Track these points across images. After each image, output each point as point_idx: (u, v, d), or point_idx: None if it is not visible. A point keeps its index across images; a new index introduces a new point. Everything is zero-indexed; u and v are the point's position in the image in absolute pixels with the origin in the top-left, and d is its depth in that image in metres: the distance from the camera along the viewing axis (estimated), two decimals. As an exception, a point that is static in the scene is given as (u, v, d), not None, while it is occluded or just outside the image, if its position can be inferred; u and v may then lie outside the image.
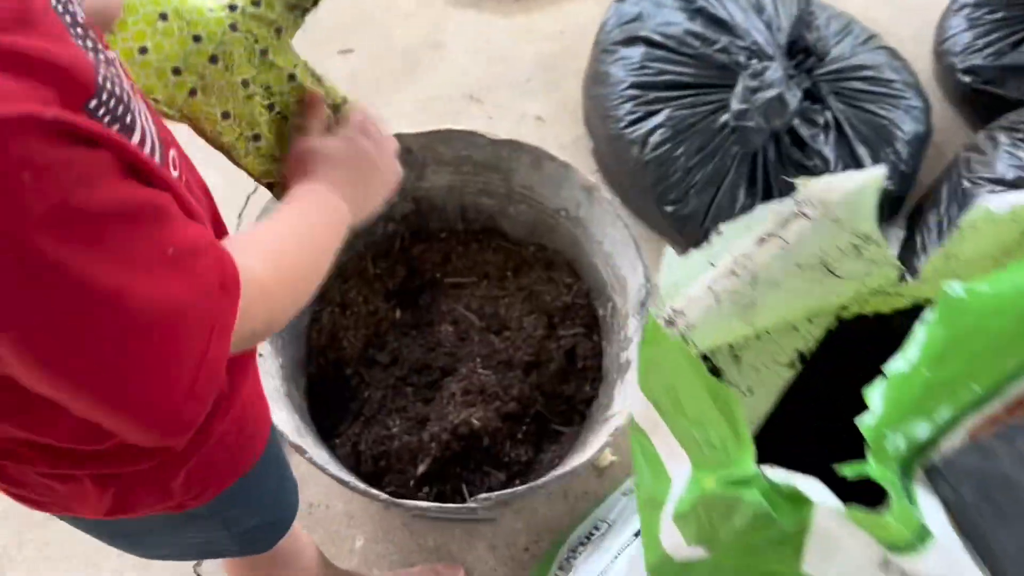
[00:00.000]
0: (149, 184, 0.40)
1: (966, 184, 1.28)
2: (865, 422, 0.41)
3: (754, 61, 1.33)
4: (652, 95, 1.39)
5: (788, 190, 1.32)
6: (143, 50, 0.57)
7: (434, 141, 1.24)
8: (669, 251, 0.47)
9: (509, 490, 1.00)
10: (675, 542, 0.42)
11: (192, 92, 0.60)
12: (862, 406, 0.41)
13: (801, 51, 1.36)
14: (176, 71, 0.58)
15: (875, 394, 0.41)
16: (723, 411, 0.40)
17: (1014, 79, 1.46)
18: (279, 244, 0.52)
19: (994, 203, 0.46)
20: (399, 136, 1.22)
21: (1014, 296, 0.38)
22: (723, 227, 0.48)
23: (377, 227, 1.34)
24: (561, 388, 1.26)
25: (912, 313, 0.58)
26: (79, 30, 0.41)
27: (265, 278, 0.47)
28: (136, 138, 0.42)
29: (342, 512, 1.25)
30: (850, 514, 0.36)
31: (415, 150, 1.25)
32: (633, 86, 1.40)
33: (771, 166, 1.32)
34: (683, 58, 1.40)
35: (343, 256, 1.33)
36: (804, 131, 1.31)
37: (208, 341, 0.40)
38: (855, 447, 0.57)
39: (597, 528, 1.08)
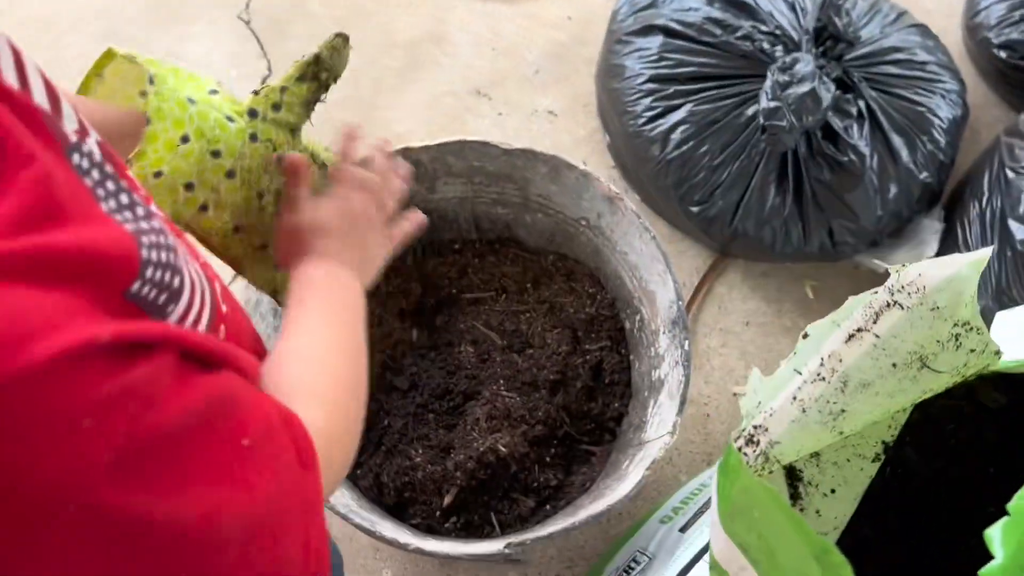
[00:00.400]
0: (208, 366, 0.35)
1: (1010, 174, 1.20)
2: (988, 571, 0.35)
3: (779, 48, 1.25)
4: (672, 89, 1.31)
5: (822, 188, 1.24)
6: (158, 174, 0.53)
7: (444, 153, 1.17)
8: (755, 373, 0.41)
9: (545, 533, 0.95)
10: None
11: (203, 208, 0.56)
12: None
13: (830, 36, 1.28)
14: (189, 187, 0.54)
15: (995, 536, 0.35)
16: (829, 573, 0.34)
17: (1055, 54, 1.37)
18: (322, 370, 0.47)
19: None
20: (407, 150, 1.15)
21: None
22: (809, 329, 0.42)
23: (388, 243, 1.27)
24: (588, 406, 1.21)
25: (993, 381, 0.52)
26: (109, 185, 0.36)
27: (328, 424, 0.43)
28: (184, 300, 0.37)
29: (368, 545, 1.21)
30: None
31: (425, 162, 1.18)
32: (651, 80, 1.32)
33: (803, 161, 1.24)
34: (704, 48, 1.31)
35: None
36: (836, 123, 1.23)
37: (307, 528, 0.36)
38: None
39: (636, 561, 1.03)
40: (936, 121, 1.28)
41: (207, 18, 1.64)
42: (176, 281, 0.37)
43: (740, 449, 0.40)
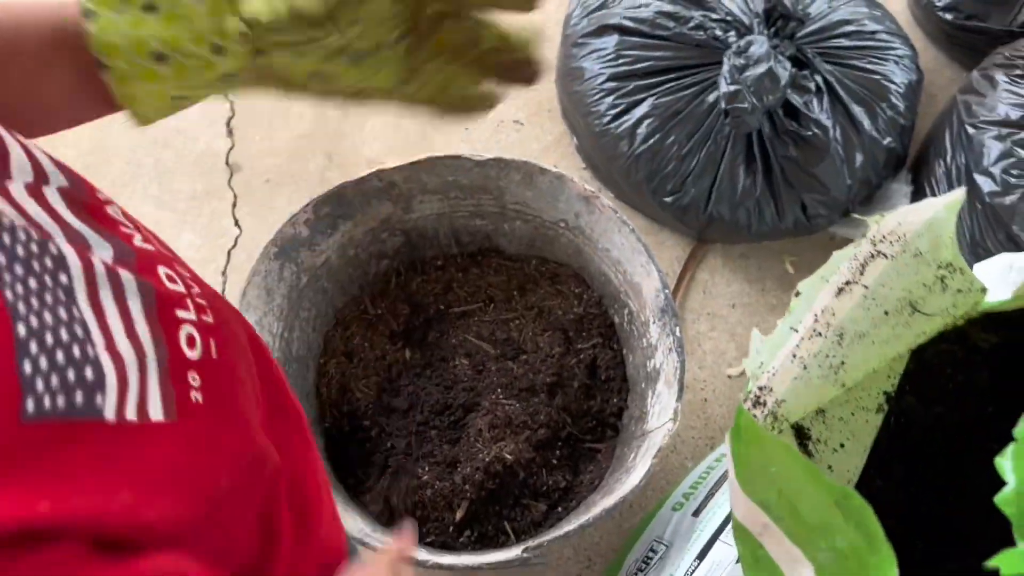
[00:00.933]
0: (136, 548, 0.29)
1: (970, 130, 1.23)
2: (1003, 497, 0.36)
3: (732, 34, 1.27)
4: (632, 85, 1.33)
5: (790, 165, 1.26)
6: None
7: (418, 171, 1.18)
8: (755, 334, 0.42)
9: (561, 532, 0.96)
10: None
11: None
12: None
13: (780, 17, 1.30)
14: None
15: (1006, 463, 0.36)
16: (851, 517, 0.35)
17: (998, 10, 1.41)
18: None
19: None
20: (380, 172, 1.15)
21: None
22: (800, 287, 0.43)
23: (370, 267, 1.28)
24: (588, 404, 1.22)
25: (982, 323, 0.53)
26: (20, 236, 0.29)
27: None
28: (112, 382, 0.30)
29: (384, 569, 1.20)
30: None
31: (399, 183, 1.19)
32: (611, 79, 1.34)
33: (768, 141, 1.26)
34: (659, 42, 1.34)
35: (340, 303, 1.27)
36: (796, 99, 1.26)
37: None
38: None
39: (654, 551, 1.03)
40: (892, 87, 1.31)
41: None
42: (86, 368, 0.29)
43: (749, 411, 0.41)
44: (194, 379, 0.35)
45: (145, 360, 0.32)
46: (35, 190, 0.33)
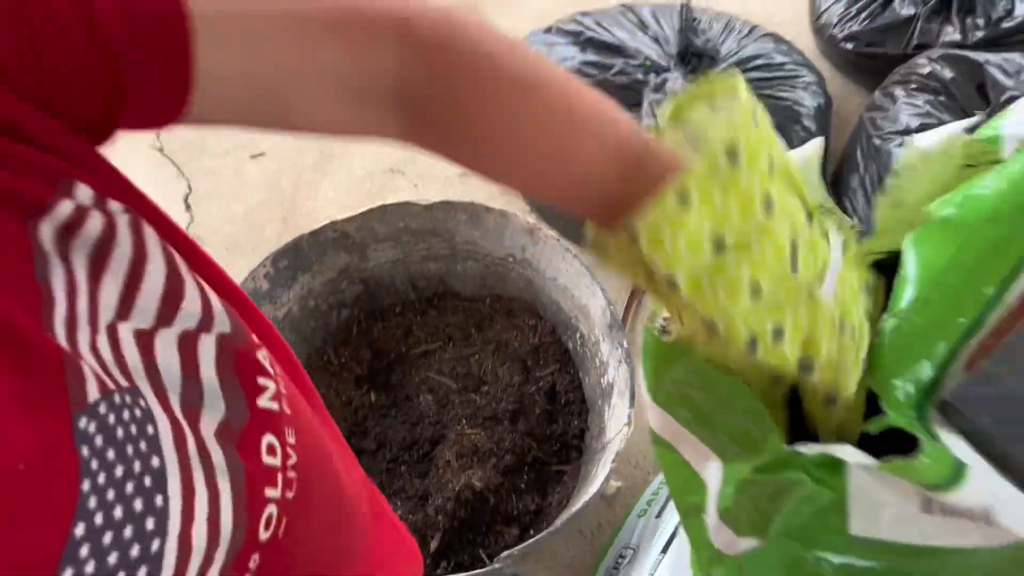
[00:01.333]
0: None
1: (876, 142, 1.34)
2: (873, 377, 0.42)
3: (652, 76, 1.38)
4: (566, 128, 1.42)
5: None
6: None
7: (369, 220, 1.25)
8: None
9: (531, 540, 0.99)
10: (727, 539, 0.42)
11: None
12: None
13: (694, 56, 1.42)
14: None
15: (874, 349, 0.42)
16: (740, 403, 0.41)
17: (892, 36, 1.54)
18: None
19: (924, 142, 0.49)
20: (333, 224, 1.22)
21: (1011, 191, 0.40)
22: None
23: (331, 317, 1.33)
24: (551, 428, 1.26)
25: (877, 267, 0.60)
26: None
27: None
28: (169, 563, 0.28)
29: (365, 609, 1.22)
30: (884, 466, 0.37)
31: (352, 232, 1.25)
32: (545, 124, 1.44)
33: (694, 168, 1.36)
34: (586, 87, 1.44)
35: (304, 353, 1.32)
36: (716, 128, 1.36)
37: None
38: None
39: (623, 556, 1.07)
40: (803, 110, 1.42)
41: (120, 153, 1.71)
42: (142, 567, 0.27)
43: (657, 336, 0.47)
44: (254, 561, 0.32)
45: (216, 550, 0.30)
46: (189, 338, 0.32)
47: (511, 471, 1.21)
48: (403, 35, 0.36)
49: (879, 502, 0.40)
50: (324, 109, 0.37)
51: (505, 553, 0.98)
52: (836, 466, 0.39)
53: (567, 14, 1.60)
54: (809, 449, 0.39)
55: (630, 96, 1.40)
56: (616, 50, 1.47)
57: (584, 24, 1.56)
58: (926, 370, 0.41)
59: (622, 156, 0.40)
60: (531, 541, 0.98)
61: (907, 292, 0.41)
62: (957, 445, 0.39)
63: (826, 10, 1.64)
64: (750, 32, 1.52)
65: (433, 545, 1.15)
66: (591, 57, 1.47)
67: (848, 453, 0.38)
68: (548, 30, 1.60)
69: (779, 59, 1.48)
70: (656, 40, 1.45)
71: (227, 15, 0.32)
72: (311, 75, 0.35)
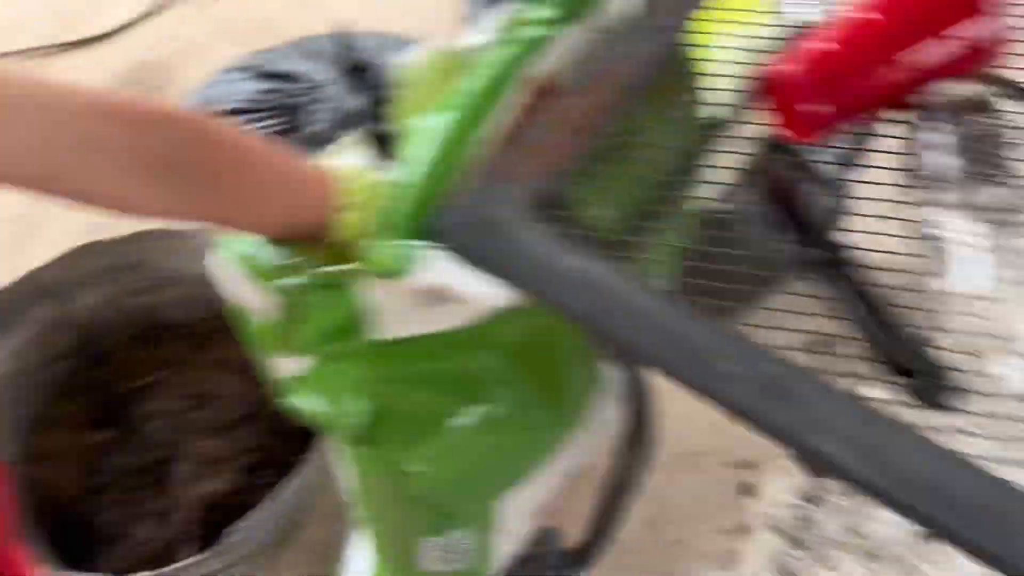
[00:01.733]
0: None
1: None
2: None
3: (318, 91, 1.54)
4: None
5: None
6: None
7: (66, 266, 1.28)
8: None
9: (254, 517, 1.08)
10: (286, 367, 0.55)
11: None
12: None
13: (356, 70, 1.59)
14: None
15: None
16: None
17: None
18: None
19: (410, 58, 0.65)
20: (31, 274, 1.25)
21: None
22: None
23: (47, 371, 1.34)
24: (287, 422, 1.35)
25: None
26: None
27: None
28: None
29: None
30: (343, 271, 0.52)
31: (50, 280, 1.28)
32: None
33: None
34: (264, 112, 1.57)
35: (32, 409, 1.32)
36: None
37: None
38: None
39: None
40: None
41: None
42: None
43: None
44: None
45: None
46: None
47: (253, 469, 1.29)
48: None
49: (384, 308, 0.54)
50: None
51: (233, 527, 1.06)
52: (342, 286, 0.53)
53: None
54: (320, 272, 0.53)
55: (301, 115, 1.55)
56: (288, 77, 1.62)
57: (261, 60, 1.70)
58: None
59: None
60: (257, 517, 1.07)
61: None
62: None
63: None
64: (406, 46, 1.72)
65: (188, 553, 1.20)
66: (267, 86, 1.60)
67: (343, 272, 0.52)
68: (230, 70, 1.72)
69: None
70: (318, 61, 1.61)
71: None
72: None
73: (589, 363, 0.73)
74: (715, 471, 1.32)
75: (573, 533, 0.99)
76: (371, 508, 0.72)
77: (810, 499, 1.26)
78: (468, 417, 0.62)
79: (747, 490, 1.30)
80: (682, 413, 1.36)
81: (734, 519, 1.27)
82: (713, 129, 0.69)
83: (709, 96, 0.70)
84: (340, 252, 0.54)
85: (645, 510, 1.25)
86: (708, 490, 1.31)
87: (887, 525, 1.23)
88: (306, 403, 0.58)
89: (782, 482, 1.28)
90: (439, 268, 0.52)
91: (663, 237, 0.68)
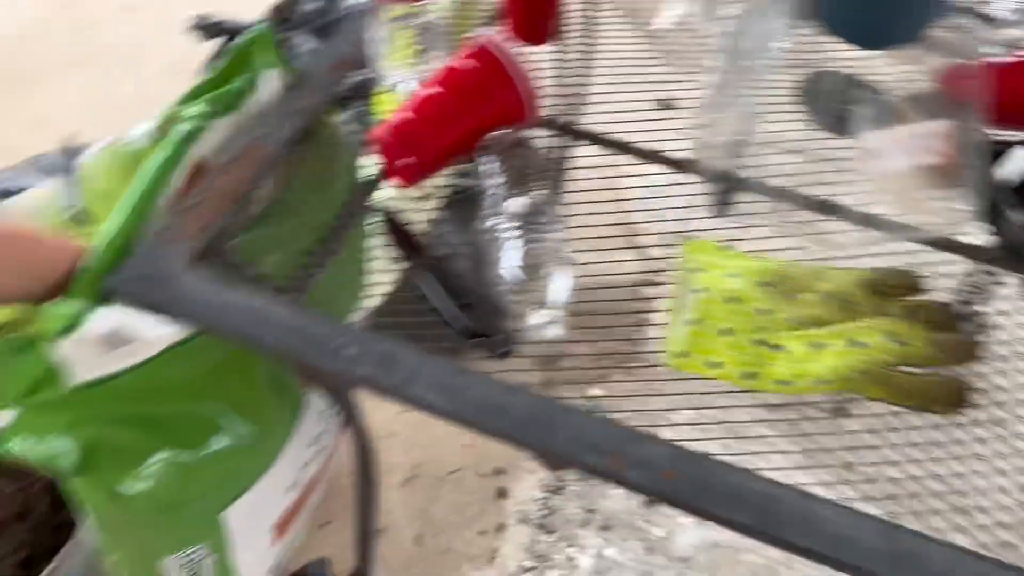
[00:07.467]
0: None
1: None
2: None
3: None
4: None
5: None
6: None
7: None
8: None
9: None
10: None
11: None
12: None
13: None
14: None
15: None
16: None
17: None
18: None
19: (91, 155, 0.79)
20: None
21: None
22: None
23: None
24: (59, 516, 1.39)
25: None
26: None
27: None
28: None
29: None
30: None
31: None
32: None
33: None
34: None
35: None
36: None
37: None
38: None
39: None
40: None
41: None
42: None
43: None
44: None
45: None
46: None
47: (28, 565, 1.31)
48: None
49: (74, 358, 0.66)
50: None
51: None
52: (33, 345, 0.65)
53: None
54: (10, 338, 0.65)
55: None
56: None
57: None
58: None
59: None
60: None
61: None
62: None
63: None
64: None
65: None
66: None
67: (28, 335, 0.64)
68: None
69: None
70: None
71: None
72: None
73: (283, 384, 0.88)
74: (472, 482, 1.48)
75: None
76: (109, 537, 0.82)
77: (552, 490, 1.46)
78: (177, 440, 0.75)
79: (502, 494, 1.47)
80: (438, 437, 1.54)
81: (493, 521, 1.43)
82: (363, 187, 0.87)
83: (355, 160, 0.89)
84: (29, 315, 0.66)
85: (411, 529, 1.40)
86: (468, 500, 1.47)
87: (616, 500, 1.45)
88: (18, 448, 0.68)
89: (529, 480, 1.47)
90: (111, 316, 0.65)
91: (330, 277, 0.84)
